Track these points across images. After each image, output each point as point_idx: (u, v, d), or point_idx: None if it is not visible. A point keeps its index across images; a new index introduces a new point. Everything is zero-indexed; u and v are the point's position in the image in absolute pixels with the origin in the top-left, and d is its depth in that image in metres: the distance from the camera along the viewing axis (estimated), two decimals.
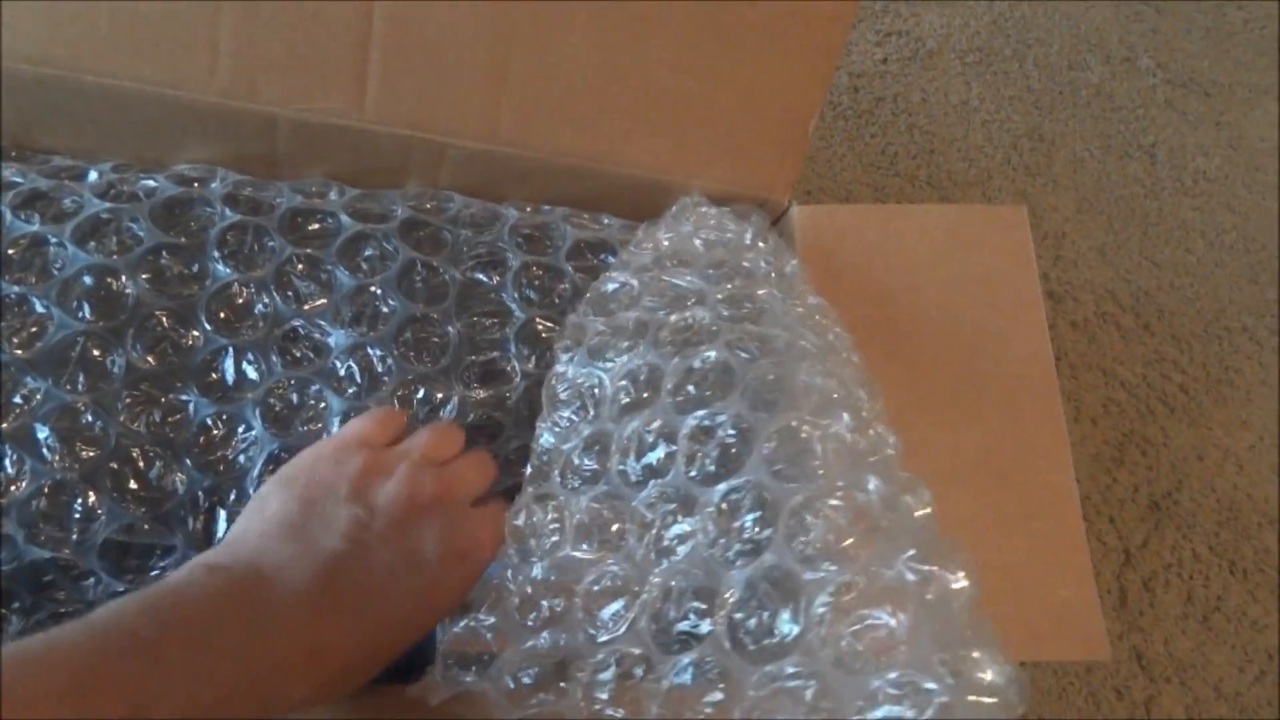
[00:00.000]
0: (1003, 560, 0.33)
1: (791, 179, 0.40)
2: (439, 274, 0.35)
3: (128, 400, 0.29)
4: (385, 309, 0.33)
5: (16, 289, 0.29)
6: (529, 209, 0.38)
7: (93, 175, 0.34)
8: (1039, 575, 0.32)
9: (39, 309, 0.29)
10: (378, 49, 0.33)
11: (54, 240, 0.30)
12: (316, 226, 0.34)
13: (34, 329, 0.29)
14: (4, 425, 0.27)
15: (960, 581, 0.21)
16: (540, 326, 0.34)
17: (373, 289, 0.33)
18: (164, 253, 0.31)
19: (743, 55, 0.37)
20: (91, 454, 0.28)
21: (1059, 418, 0.36)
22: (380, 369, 0.32)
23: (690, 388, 0.29)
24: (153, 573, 0.29)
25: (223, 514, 0.30)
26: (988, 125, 0.74)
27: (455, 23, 0.33)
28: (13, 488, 0.27)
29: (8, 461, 0.27)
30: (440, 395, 0.32)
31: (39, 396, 0.28)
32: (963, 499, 0.33)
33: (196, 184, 0.34)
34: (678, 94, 0.37)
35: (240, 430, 0.30)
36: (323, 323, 0.32)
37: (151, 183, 0.34)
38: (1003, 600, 0.32)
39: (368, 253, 0.34)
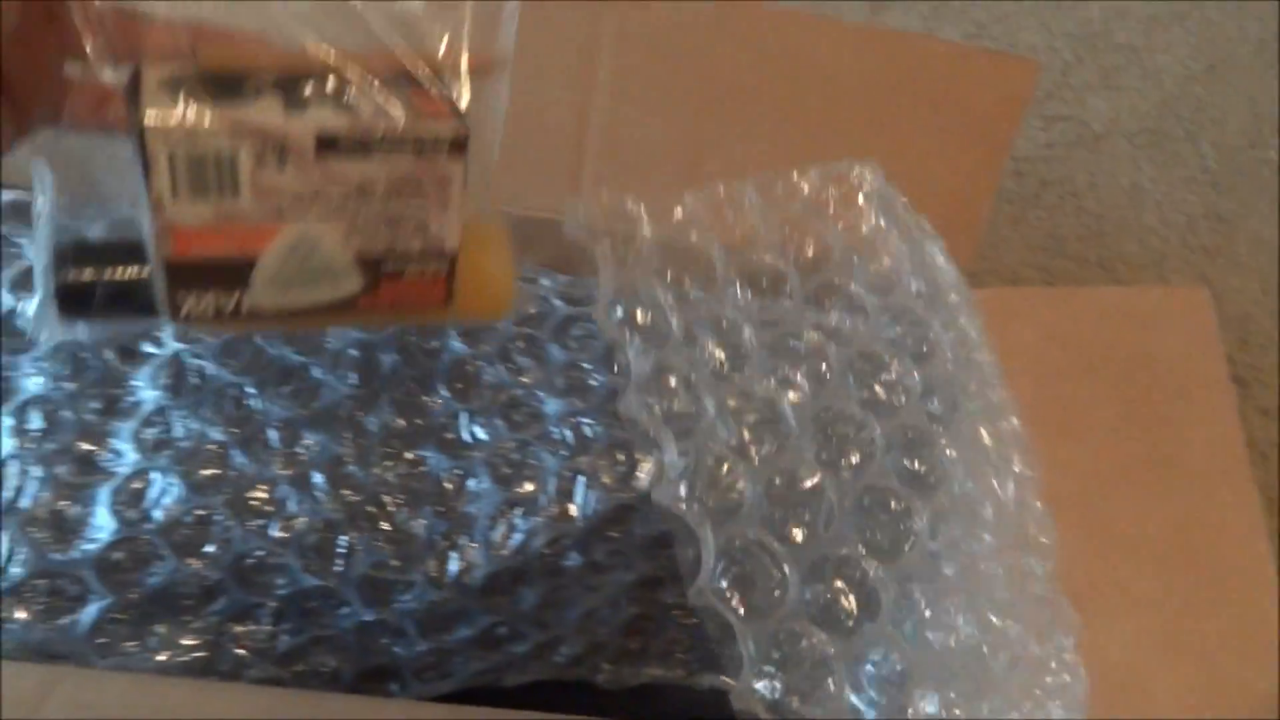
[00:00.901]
0: (1192, 642, 0.33)
1: (967, 259, 0.42)
2: None
3: (381, 454, 0.34)
4: (593, 382, 0.37)
5: (300, 358, 0.35)
6: None
7: None
8: (1230, 658, 0.32)
9: (316, 374, 0.35)
10: (591, 153, 0.38)
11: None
12: (534, 310, 0.39)
13: (313, 391, 0.34)
14: (289, 471, 0.33)
15: None
16: None
17: (582, 364, 0.37)
18: (411, 331, 0.37)
19: (915, 148, 0.40)
20: (354, 498, 0.33)
21: (1254, 502, 0.36)
22: (590, 434, 0.36)
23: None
24: (395, 605, 0.33)
25: (454, 555, 0.34)
26: (1161, 207, 0.74)
27: (658, 131, 0.38)
28: (295, 523, 0.32)
29: (291, 501, 0.33)
30: (639, 457, 0.36)
31: (315, 447, 0.34)
32: (1152, 579, 0.34)
33: None
34: None
35: (470, 484, 0.35)
36: (540, 393, 0.37)
37: None
38: (1191, 682, 0.32)
39: (576, 332, 0.39)
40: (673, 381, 0.36)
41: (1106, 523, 0.34)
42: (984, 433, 0.37)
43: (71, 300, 0.27)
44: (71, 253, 0.27)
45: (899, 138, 0.39)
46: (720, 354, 0.35)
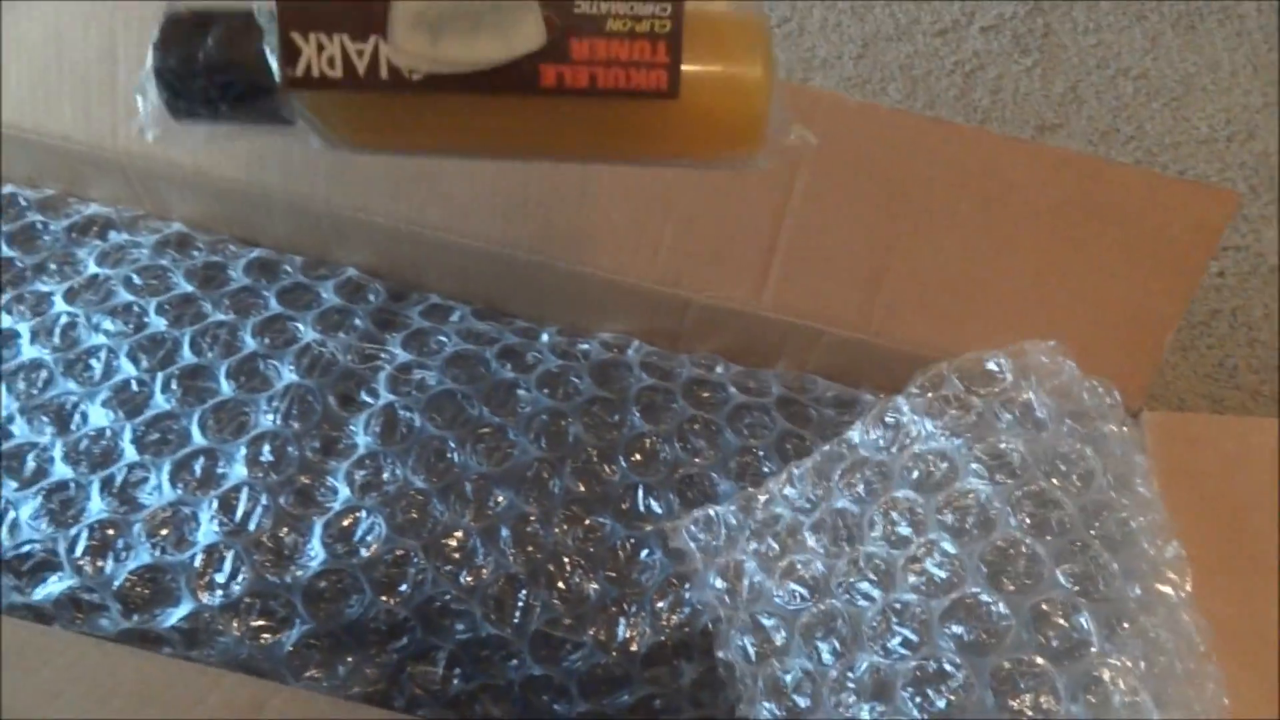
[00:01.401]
0: None
1: (1143, 386, 0.41)
2: (805, 443, 0.40)
3: (563, 516, 0.36)
4: (766, 469, 0.38)
5: (496, 419, 0.38)
6: (882, 395, 0.43)
7: (544, 336, 0.43)
8: None
9: (511, 436, 0.37)
10: (781, 251, 0.40)
11: (523, 387, 0.39)
12: (708, 394, 0.41)
13: (507, 451, 0.37)
14: (480, 523, 0.35)
15: None
16: None
17: (756, 450, 0.39)
18: (596, 404, 0.39)
19: (1101, 269, 0.40)
20: (536, 556, 0.35)
21: None
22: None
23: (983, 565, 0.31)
24: (563, 664, 0.35)
25: (622, 621, 0.35)
26: None
27: (847, 233, 0.40)
28: (481, 573, 0.34)
29: (479, 552, 0.35)
30: None
31: (504, 504, 0.36)
32: None
33: (617, 350, 0.43)
34: (1033, 301, 0.40)
35: (644, 554, 0.36)
36: (714, 474, 0.38)
37: (586, 346, 0.42)
38: None
39: (748, 420, 0.40)
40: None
41: (1271, 657, 0.32)
42: (1147, 549, 0.36)
43: (177, 80, 0.22)
44: (177, 28, 0.22)
45: (1086, 258, 0.39)
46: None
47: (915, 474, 0.37)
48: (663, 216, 0.40)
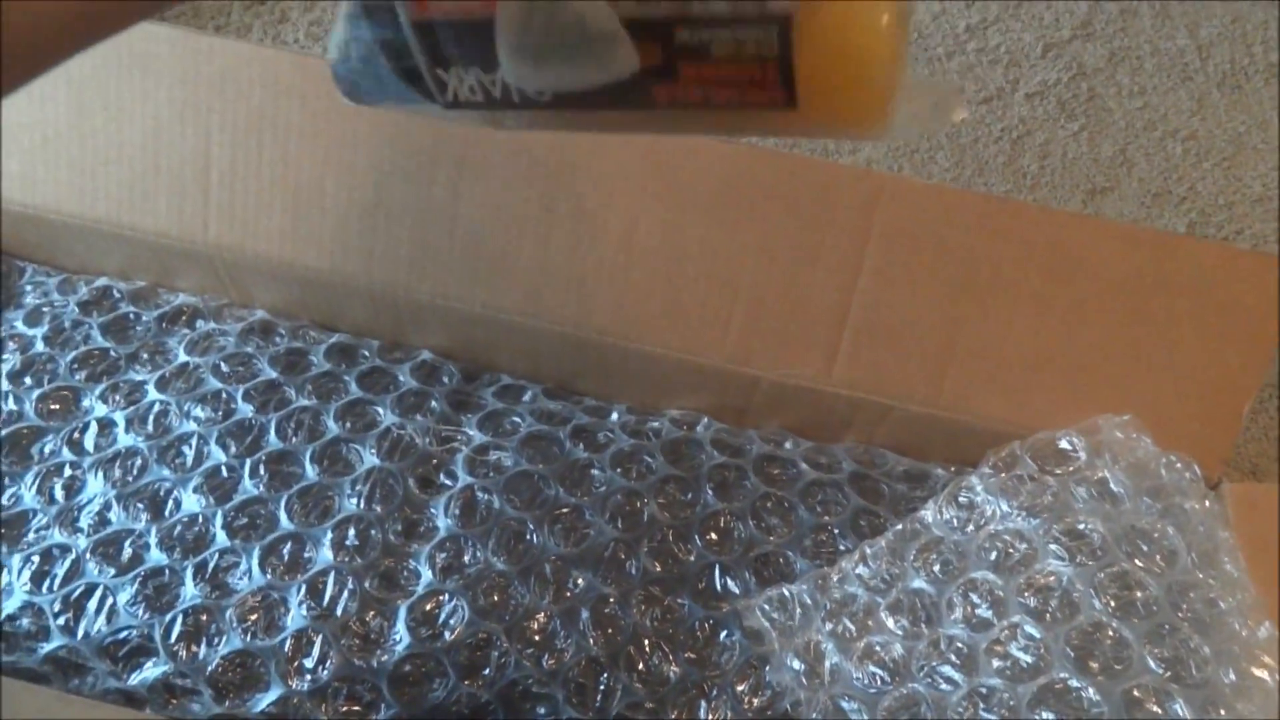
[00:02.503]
0: None
1: (1222, 458, 0.41)
2: (880, 520, 0.40)
3: (641, 597, 0.36)
4: (841, 546, 0.38)
5: (572, 500, 0.38)
6: (953, 469, 0.43)
7: (614, 415, 0.44)
8: None
9: (587, 517, 0.38)
10: (850, 328, 0.41)
11: (597, 466, 0.40)
12: (779, 471, 0.41)
13: (584, 532, 0.37)
14: (560, 605, 0.35)
15: None
16: None
17: (831, 527, 0.39)
18: (670, 483, 0.40)
19: (1172, 341, 0.40)
20: (616, 638, 0.35)
21: None
22: (839, 597, 0.36)
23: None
24: None
25: (703, 704, 0.35)
26: None
27: (916, 310, 0.40)
28: (563, 656, 0.35)
29: (560, 635, 0.35)
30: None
31: (582, 585, 0.36)
32: None
33: (686, 427, 0.43)
34: (1105, 375, 0.40)
35: (722, 635, 0.36)
36: (789, 552, 0.38)
37: (656, 424, 0.43)
38: None
39: (821, 496, 0.40)
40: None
41: None
42: (1239, 631, 0.35)
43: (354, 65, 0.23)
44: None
45: (1157, 331, 0.39)
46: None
47: (993, 555, 0.37)
48: (732, 296, 0.41)
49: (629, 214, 0.41)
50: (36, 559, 0.35)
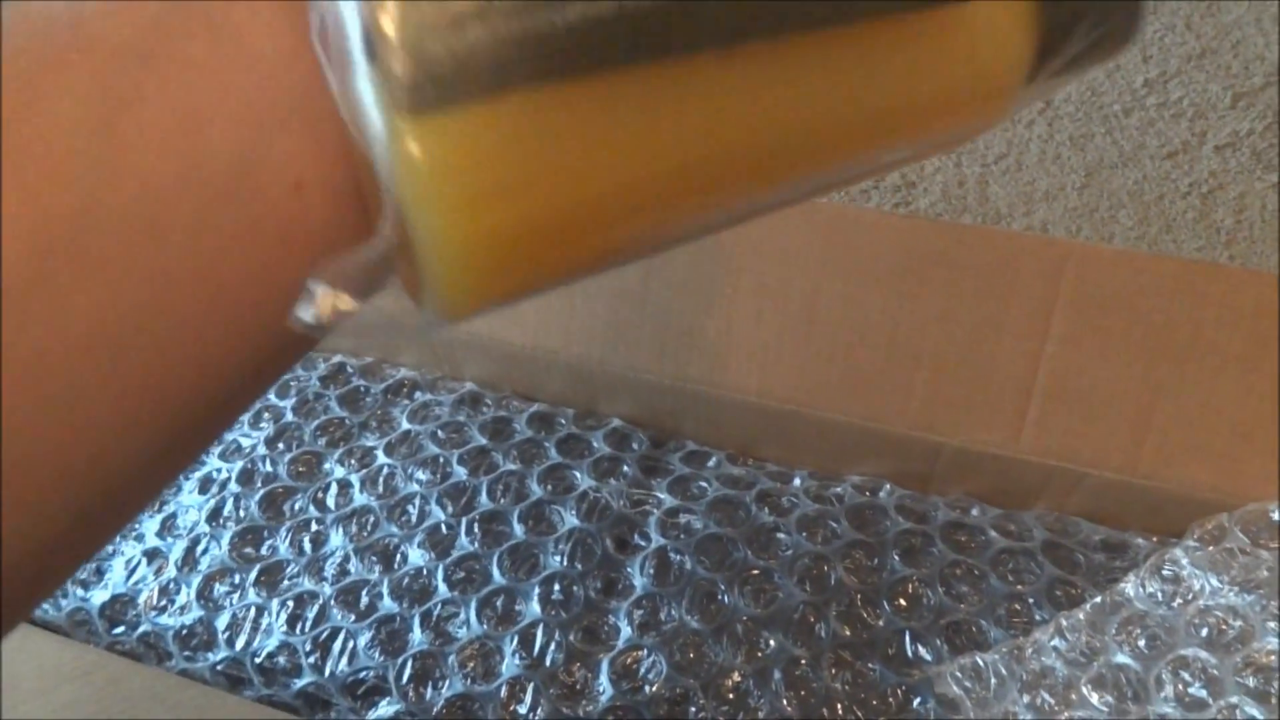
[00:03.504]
0: None
1: None
2: (1077, 590, 0.39)
3: (831, 660, 0.37)
4: (1038, 617, 0.38)
5: (761, 562, 0.40)
6: (1155, 539, 0.41)
7: (796, 480, 0.45)
8: None
9: (776, 579, 0.39)
10: (1039, 394, 0.41)
11: (782, 530, 0.41)
12: (966, 538, 0.41)
13: (773, 594, 0.39)
14: (752, 665, 0.37)
15: None
16: None
17: (1026, 597, 0.38)
18: (856, 548, 0.41)
19: None
20: (810, 700, 0.36)
21: None
22: (1036, 668, 0.36)
23: None
24: None
25: None
26: None
27: (1108, 375, 0.40)
28: (757, 715, 0.36)
29: (753, 694, 0.36)
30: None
31: (773, 647, 0.37)
32: None
33: (869, 493, 0.44)
34: None
35: (915, 702, 0.36)
36: (982, 621, 0.38)
37: (838, 489, 0.44)
38: None
39: (1012, 565, 0.40)
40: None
41: None
42: None
43: None
44: None
45: None
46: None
47: (1204, 631, 0.35)
48: (914, 363, 0.42)
49: (809, 287, 0.43)
50: (291, 603, 0.40)
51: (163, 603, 0.41)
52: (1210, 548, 0.36)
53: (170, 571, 0.42)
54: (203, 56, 0.13)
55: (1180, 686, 0.34)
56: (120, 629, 0.40)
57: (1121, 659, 0.36)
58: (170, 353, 0.14)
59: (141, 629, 0.40)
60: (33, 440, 0.13)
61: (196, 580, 0.41)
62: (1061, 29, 0.15)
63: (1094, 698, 0.35)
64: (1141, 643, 0.36)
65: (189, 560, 0.42)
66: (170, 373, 0.14)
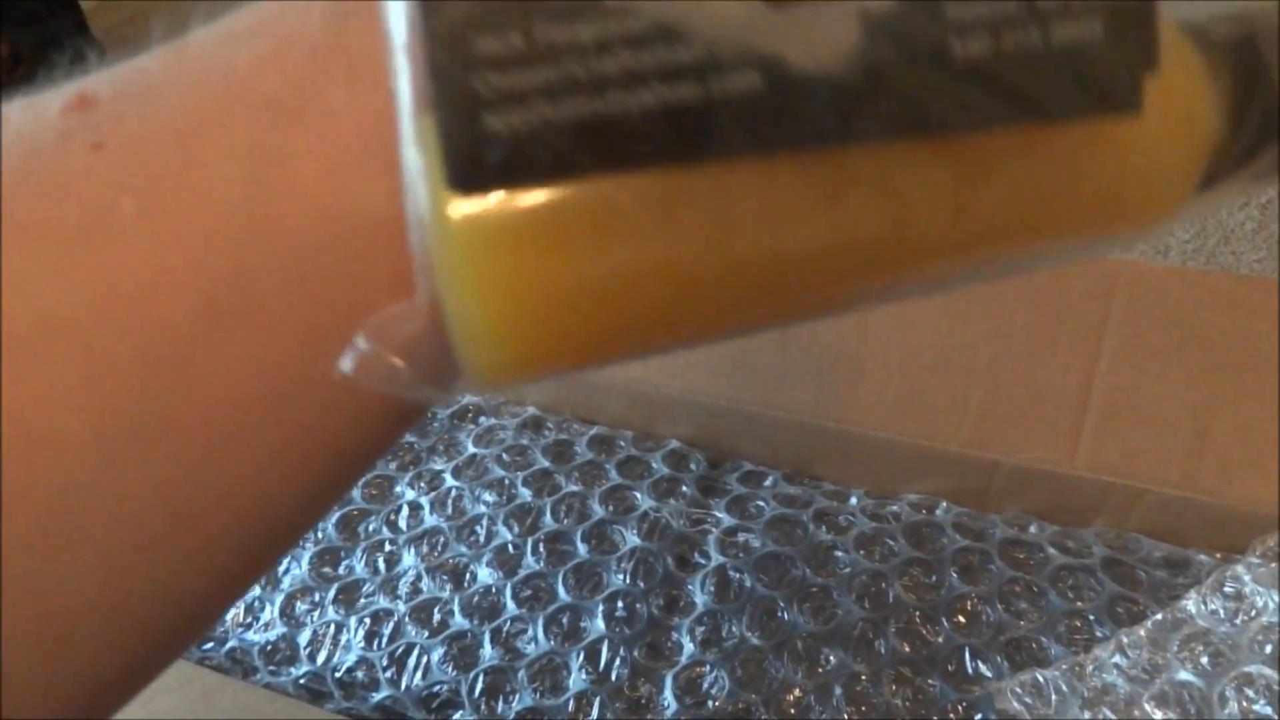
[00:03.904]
0: None
1: None
2: (1139, 607, 0.39)
3: (891, 676, 0.38)
4: (1099, 634, 0.38)
5: (819, 580, 0.41)
6: (1218, 555, 0.41)
7: (853, 499, 0.46)
8: None
9: (835, 596, 0.40)
10: (1093, 411, 0.41)
11: (840, 548, 0.42)
12: (1024, 555, 0.42)
13: (832, 611, 0.40)
14: (812, 680, 0.38)
15: None
16: None
17: (1086, 614, 0.38)
18: (914, 565, 0.41)
19: None
20: (871, 715, 0.37)
21: None
22: (1098, 684, 0.36)
23: None
24: None
25: None
26: None
27: (1163, 392, 0.40)
28: None
29: (814, 710, 0.37)
30: None
31: (834, 663, 0.38)
32: None
33: (925, 510, 0.44)
34: None
35: (976, 718, 0.37)
36: (1042, 638, 0.38)
37: (895, 507, 0.45)
38: None
39: (1071, 582, 0.40)
40: None
41: None
42: None
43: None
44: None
45: None
46: None
47: (1268, 648, 0.35)
48: (967, 382, 0.42)
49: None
50: (368, 621, 0.42)
51: (248, 620, 0.43)
52: (1273, 564, 0.36)
53: (255, 590, 0.44)
54: (344, 105, 0.13)
55: (1244, 704, 0.34)
56: (209, 645, 0.43)
57: (1184, 676, 0.36)
58: (324, 403, 0.14)
59: (229, 645, 0.42)
60: (206, 489, 0.14)
61: (279, 599, 0.43)
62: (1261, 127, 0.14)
63: (1156, 715, 0.35)
64: (1204, 660, 0.36)
65: (272, 580, 0.44)
66: (325, 422, 0.14)
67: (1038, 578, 0.40)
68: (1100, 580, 0.40)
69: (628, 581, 0.42)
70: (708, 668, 0.39)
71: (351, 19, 0.13)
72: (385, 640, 0.41)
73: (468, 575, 0.43)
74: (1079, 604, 0.39)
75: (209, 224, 0.13)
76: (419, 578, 0.43)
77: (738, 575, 0.41)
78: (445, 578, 0.43)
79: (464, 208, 0.12)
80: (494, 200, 0.12)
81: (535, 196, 0.12)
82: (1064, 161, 0.13)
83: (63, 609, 0.14)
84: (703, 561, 0.42)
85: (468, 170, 0.11)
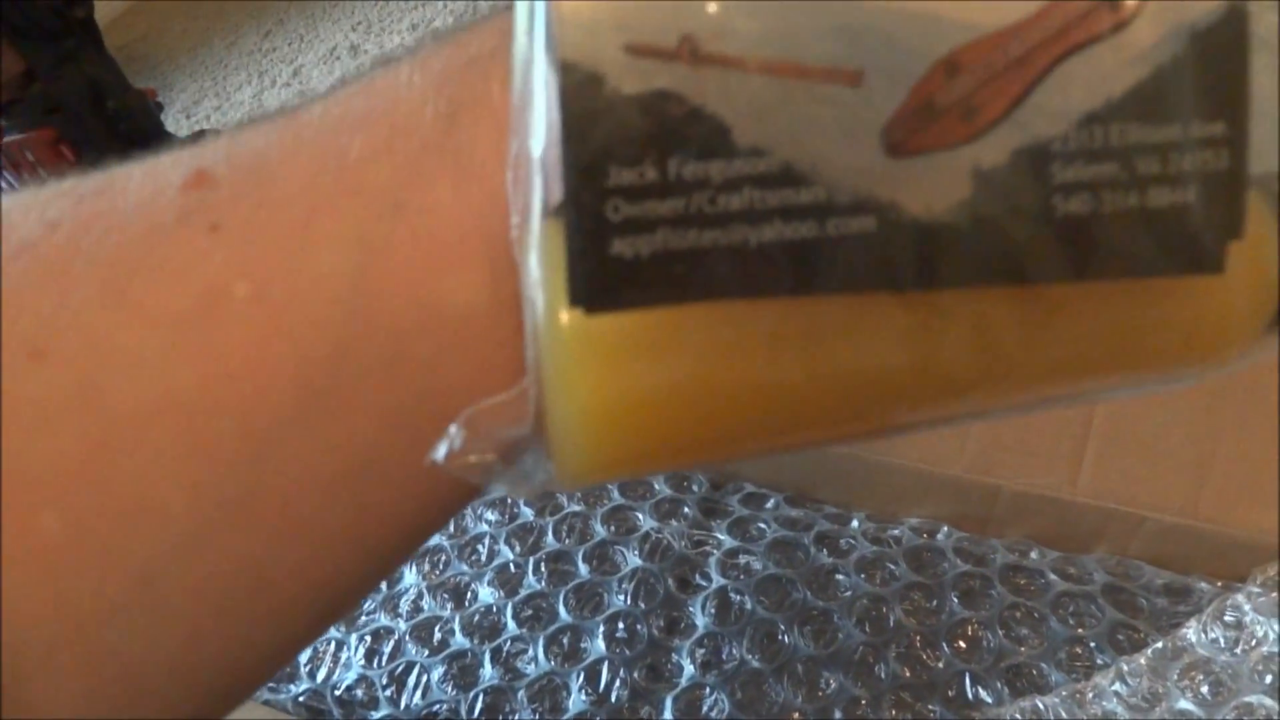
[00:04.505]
0: None
1: None
2: (1140, 635, 0.39)
3: (891, 701, 0.38)
4: (1099, 660, 0.38)
5: (820, 603, 0.41)
6: (1219, 584, 0.41)
7: (854, 523, 0.46)
8: None
9: (835, 620, 0.40)
10: (1095, 438, 0.41)
11: (841, 572, 0.42)
12: (1025, 581, 0.42)
13: (833, 634, 0.40)
14: (813, 705, 0.38)
15: None
16: None
17: (1087, 641, 0.38)
18: (914, 590, 0.41)
19: None
20: None
21: None
22: (1098, 711, 0.36)
23: None
24: None
25: None
26: None
27: (1163, 421, 0.40)
28: None
29: None
30: None
31: (834, 687, 0.38)
32: None
33: (927, 535, 0.44)
34: None
35: None
36: (1043, 664, 0.38)
37: (896, 531, 0.45)
38: None
39: (1072, 608, 0.40)
40: None
41: None
42: None
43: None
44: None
45: None
46: None
47: (1269, 678, 0.35)
48: None
49: None
50: (369, 639, 0.42)
51: None
52: (1273, 593, 0.36)
53: None
54: (448, 201, 0.13)
55: None
56: None
57: (1184, 705, 0.36)
58: (401, 482, 0.15)
59: None
60: (283, 561, 0.14)
61: None
62: None
63: None
64: (1204, 689, 0.36)
65: None
66: (400, 501, 0.15)
67: (1039, 604, 0.40)
68: (1101, 607, 0.40)
69: (628, 602, 0.42)
70: (708, 690, 0.38)
71: (462, 114, 0.14)
72: (385, 658, 0.41)
73: (469, 594, 0.43)
74: (1080, 630, 0.39)
75: (315, 311, 0.13)
76: (420, 596, 0.43)
77: (739, 597, 0.41)
78: (446, 596, 0.43)
79: (581, 321, 0.12)
80: (611, 317, 0.12)
81: (650, 316, 0.12)
82: (1144, 310, 0.13)
83: (139, 668, 0.14)
84: (704, 583, 0.43)
85: (591, 291, 0.12)
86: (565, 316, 0.12)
